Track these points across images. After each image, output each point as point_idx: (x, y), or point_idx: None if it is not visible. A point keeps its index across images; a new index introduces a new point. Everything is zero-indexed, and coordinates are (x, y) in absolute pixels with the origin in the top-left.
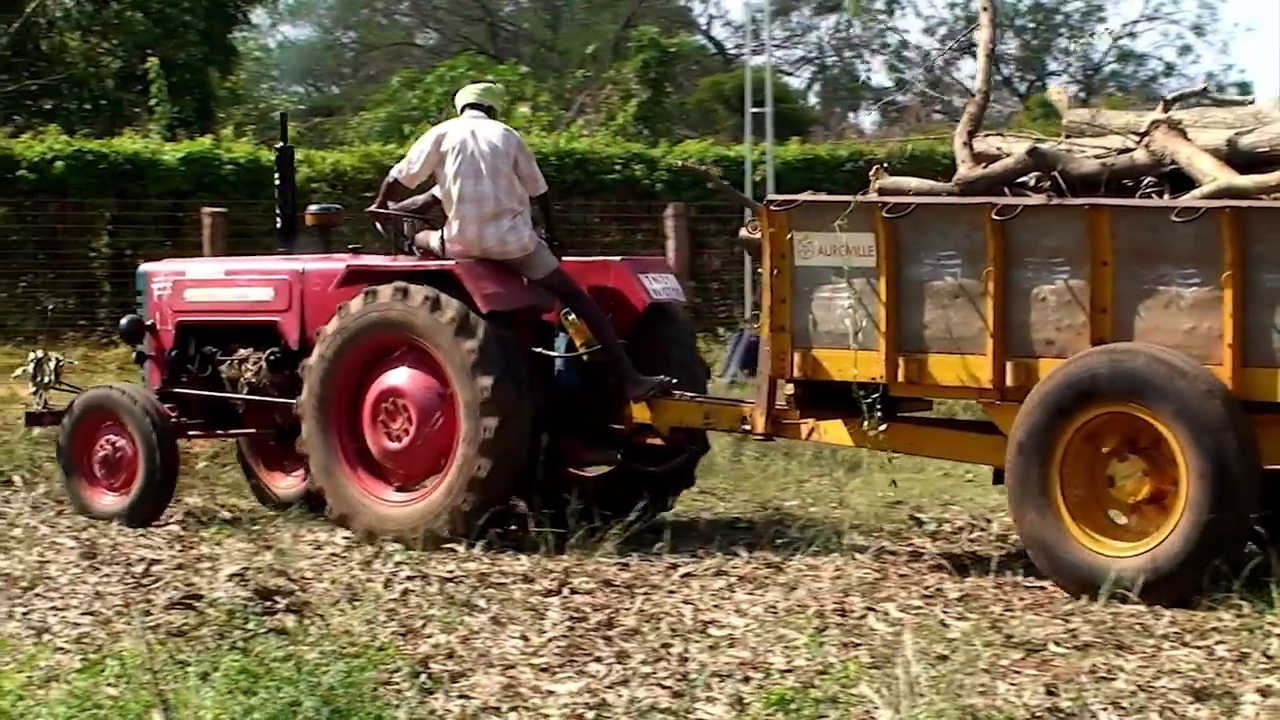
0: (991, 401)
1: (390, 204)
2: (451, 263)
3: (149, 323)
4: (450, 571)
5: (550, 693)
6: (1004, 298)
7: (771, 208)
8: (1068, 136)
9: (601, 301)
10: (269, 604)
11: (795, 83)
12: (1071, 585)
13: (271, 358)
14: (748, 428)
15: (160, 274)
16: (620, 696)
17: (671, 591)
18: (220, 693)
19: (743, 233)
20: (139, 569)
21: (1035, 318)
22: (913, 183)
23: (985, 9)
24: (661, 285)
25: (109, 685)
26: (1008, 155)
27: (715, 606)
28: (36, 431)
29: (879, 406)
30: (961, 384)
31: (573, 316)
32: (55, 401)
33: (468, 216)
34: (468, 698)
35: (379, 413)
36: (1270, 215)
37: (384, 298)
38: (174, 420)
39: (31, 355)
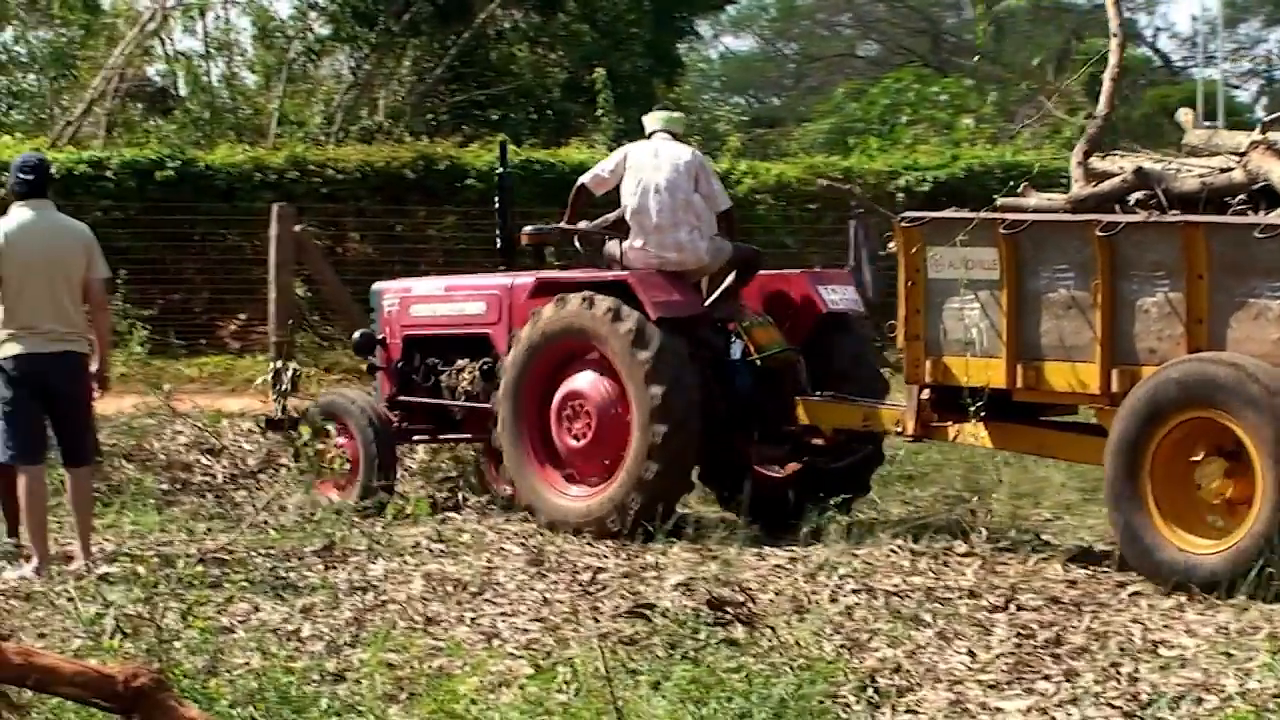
0: (1100, 406)
1: (580, 214)
2: (627, 273)
3: (380, 337)
4: (895, 585)
5: (998, 710)
6: (1110, 309)
7: (904, 224)
8: (1187, 155)
9: (781, 311)
10: (720, 615)
11: (1243, 97)
12: (1158, 580)
13: (484, 367)
14: (899, 429)
15: (390, 291)
16: (1070, 716)
17: (1120, 610)
18: (672, 702)
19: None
20: (585, 576)
21: (1139, 328)
22: (1031, 200)
23: (1115, 35)
24: (839, 296)
25: (559, 692)
26: (1119, 174)
27: (1165, 626)
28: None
29: (983, 411)
30: (1073, 390)
31: (747, 324)
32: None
33: (646, 229)
34: (915, 713)
35: (563, 413)
36: None
37: (572, 306)
38: (395, 425)
39: (271, 365)
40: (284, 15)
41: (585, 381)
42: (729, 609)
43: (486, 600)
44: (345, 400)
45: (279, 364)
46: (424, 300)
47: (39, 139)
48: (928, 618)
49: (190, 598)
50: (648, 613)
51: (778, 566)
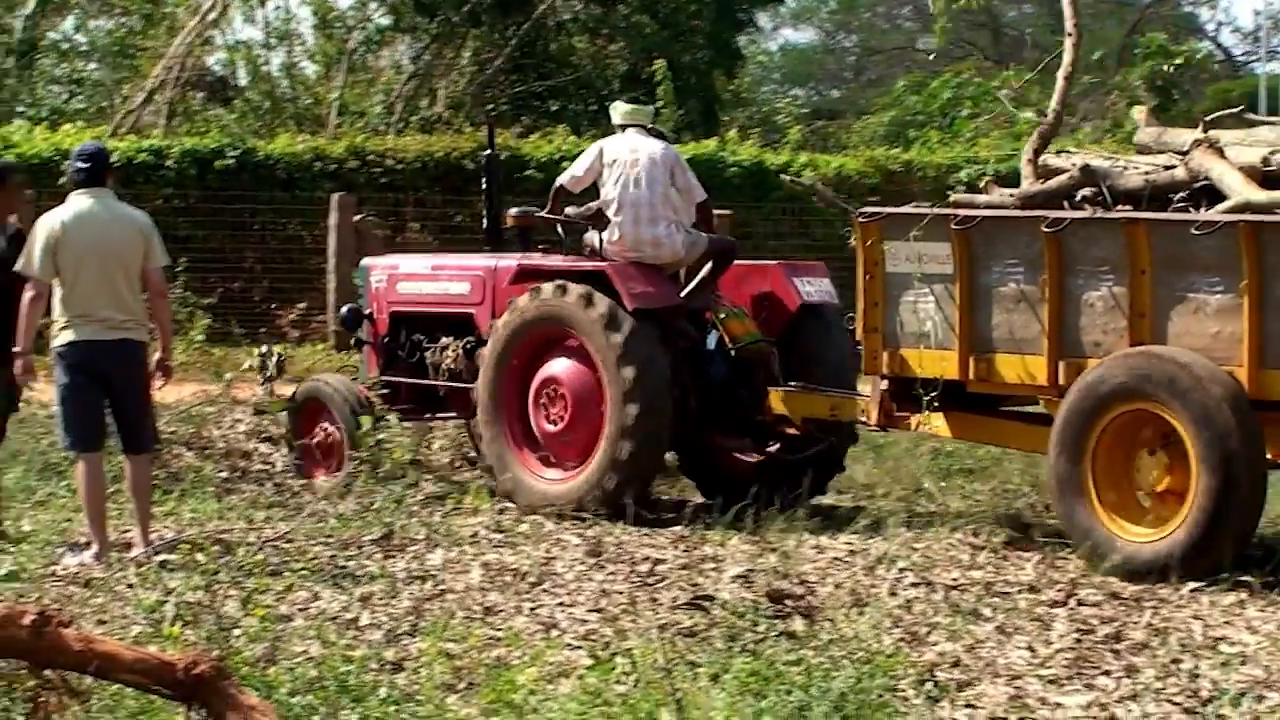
0: (1049, 398)
1: (562, 208)
2: (605, 264)
3: (367, 312)
4: (955, 579)
5: (1058, 705)
6: (1058, 303)
7: (861, 219)
8: (1138, 153)
9: (757, 303)
10: (779, 607)
11: None
12: (1099, 565)
13: (468, 346)
14: (864, 419)
15: (378, 267)
16: (1130, 712)
17: (1180, 606)
18: (731, 694)
19: (851, 242)
20: (644, 568)
21: (1084, 321)
22: (982, 197)
23: (1069, 34)
24: (814, 288)
25: (618, 683)
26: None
27: (1226, 623)
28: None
29: (935, 402)
30: (1023, 382)
31: (723, 315)
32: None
33: (625, 222)
34: (974, 707)
35: (541, 398)
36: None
37: (546, 294)
38: (377, 408)
39: (257, 352)
40: (344, 5)
41: (561, 367)
42: (788, 602)
43: (545, 590)
44: (327, 388)
45: (264, 349)
46: (410, 278)
47: (100, 128)
48: (987, 612)
49: (250, 585)
50: (707, 605)
51: (836, 559)
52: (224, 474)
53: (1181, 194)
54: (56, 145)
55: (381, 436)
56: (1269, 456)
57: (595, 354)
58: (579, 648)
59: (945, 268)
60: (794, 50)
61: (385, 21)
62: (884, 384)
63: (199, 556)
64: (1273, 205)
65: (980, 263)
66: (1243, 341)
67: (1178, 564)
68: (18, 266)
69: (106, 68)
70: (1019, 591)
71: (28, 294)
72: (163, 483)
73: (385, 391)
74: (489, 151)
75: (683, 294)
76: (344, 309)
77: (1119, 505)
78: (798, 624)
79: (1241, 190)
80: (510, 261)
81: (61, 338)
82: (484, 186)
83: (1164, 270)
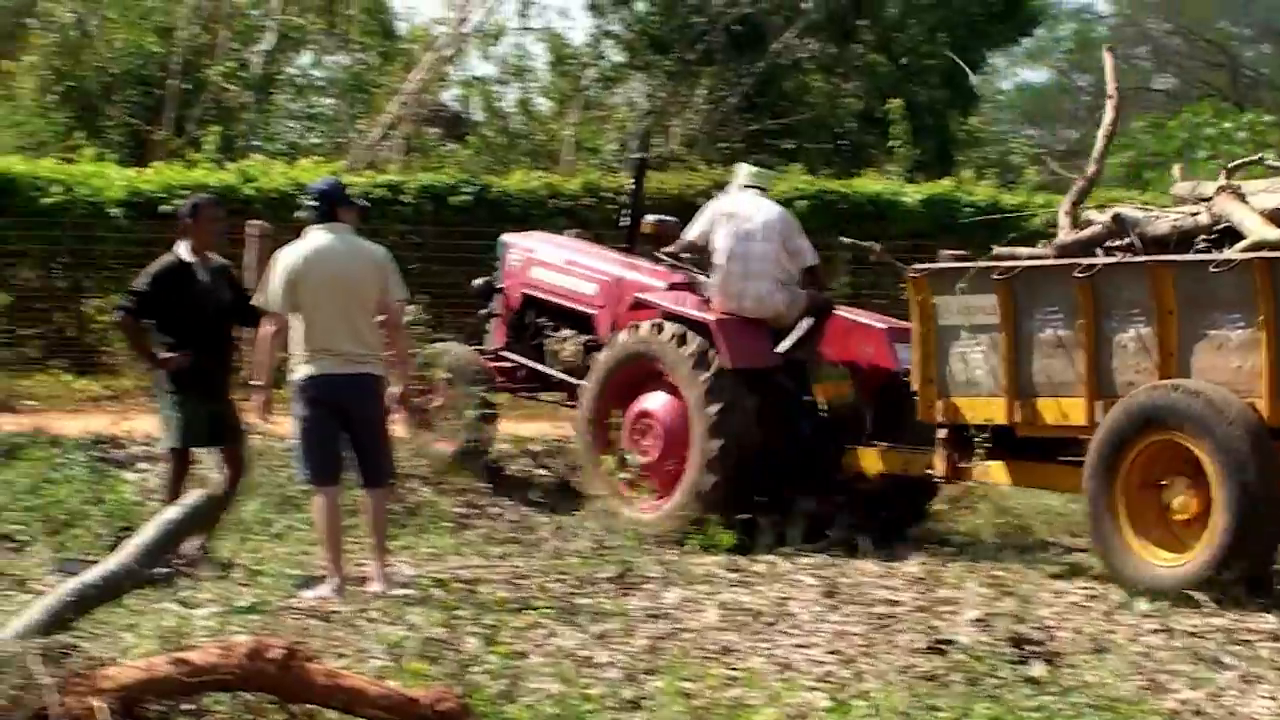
0: (1089, 438)
1: (683, 255)
2: (711, 318)
3: (500, 287)
4: (1195, 626)
5: None
6: (1093, 346)
7: (914, 274)
8: (1175, 204)
9: (857, 363)
10: (1020, 652)
11: None
12: (1131, 589)
13: (587, 344)
14: (931, 471)
15: (516, 246)
16: None
17: None
18: None
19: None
20: (880, 609)
21: (1118, 362)
22: (1024, 249)
23: (1110, 96)
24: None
25: None
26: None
27: None
28: None
29: (983, 448)
30: (1066, 423)
31: (821, 374)
32: None
33: (731, 275)
34: None
35: (634, 430)
36: None
37: (643, 331)
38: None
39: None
40: (579, 42)
41: (655, 402)
42: (1029, 646)
43: (781, 631)
44: (452, 355)
45: None
46: (545, 266)
47: (336, 162)
48: (1229, 660)
49: (489, 622)
50: (946, 648)
51: (1075, 604)
52: (460, 509)
53: (1203, 237)
54: (294, 180)
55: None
56: None
57: (684, 390)
58: (817, 689)
59: (991, 317)
60: (1029, 89)
61: (619, 59)
62: (942, 433)
63: (438, 592)
64: None
65: (1022, 311)
66: (1262, 374)
67: (1199, 587)
68: (255, 300)
69: (343, 103)
70: (1261, 640)
71: (267, 328)
72: (399, 517)
73: (505, 365)
74: (639, 155)
75: (781, 347)
76: (478, 281)
77: (1147, 531)
78: (1038, 669)
79: (1258, 230)
80: (635, 275)
81: (300, 372)
82: (631, 187)
83: (1189, 309)
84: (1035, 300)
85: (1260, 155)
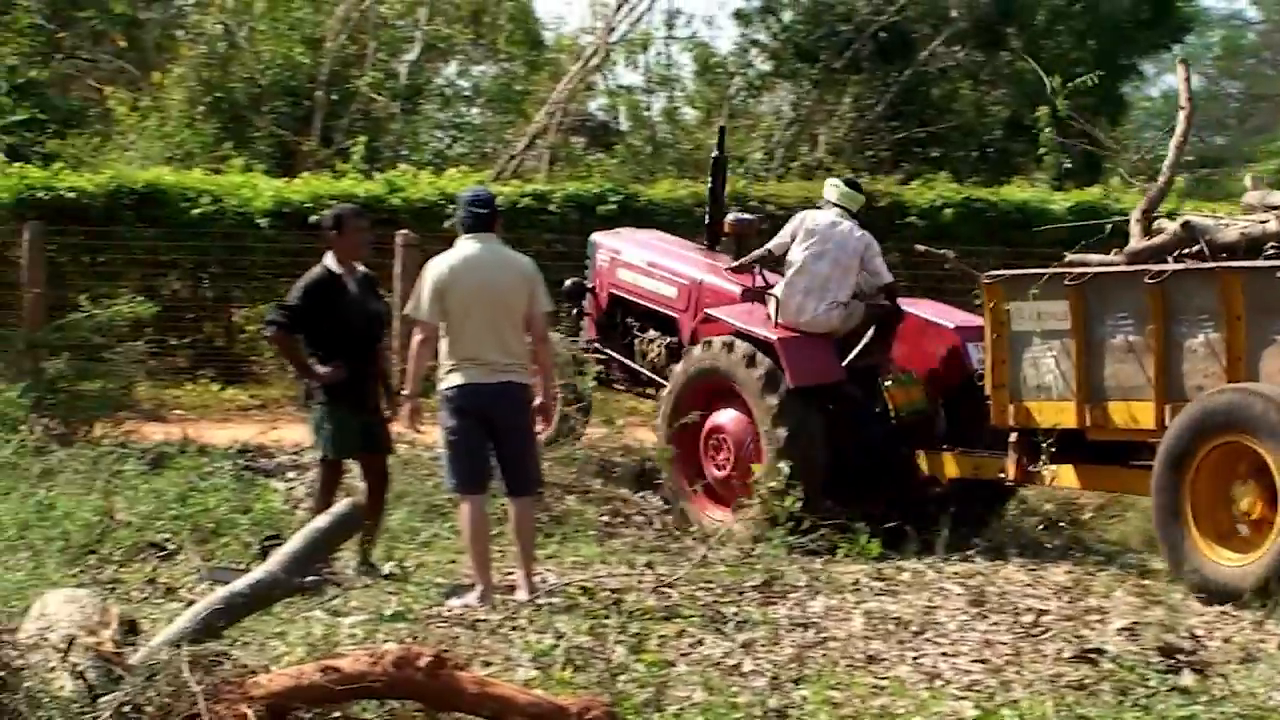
0: (1157, 442)
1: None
2: (775, 336)
3: (590, 285)
4: None
5: None
6: (1163, 350)
7: (988, 281)
8: (1244, 213)
9: (929, 363)
10: (1170, 661)
11: None
12: (1196, 589)
13: (671, 345)
14: (1003, 475)
15: (604, 247)
16: None
17: None
18: None
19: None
20: (1028, 618)
21: (1187, 367)
22: (1095, 256)
23: (1183, 107)
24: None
25: None
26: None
27: None
28: None
29: (1050, 451)
30: (1135, 427)
31: (890, 382)
32: None
33: (794, 290)
34: None
35: (709, 445)
36: None
37: (715, 349)
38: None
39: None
40: (725, 51)
41: (727, 417)
42: (1179, 656)
43: (927, 640)
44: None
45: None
46: (629, 268)
47: (483, 172)
48: None
49: (636, 630)
50: (1095, 657)
51: (1224, 613)
52: (605, 518)
53: (1272, 244)
54: (441, 190)
55: (773, 484)
56: None
57: (754, 410)
58: (964, 699)
59: (1063, 323)
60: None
61: (766, 68)
62: (1014, 437)
63: (584, 600)
64: None
65: (1093, 316)
66: None
67: (1264, 587)
68: (406, 310)
69: (489, 113)
70: None
71: (416, 337)
72: (545, 525)
73: (600, 357)
74: (717, 154)
75: (848, 360)
76: (568, 282)
77: (1214, 532)
78: (1188, 679)
79: None
80: (713, 279)
81: (448, 381)
82: (709, 186)
83: (1256, 315)
84: (1106, 306)
85: None
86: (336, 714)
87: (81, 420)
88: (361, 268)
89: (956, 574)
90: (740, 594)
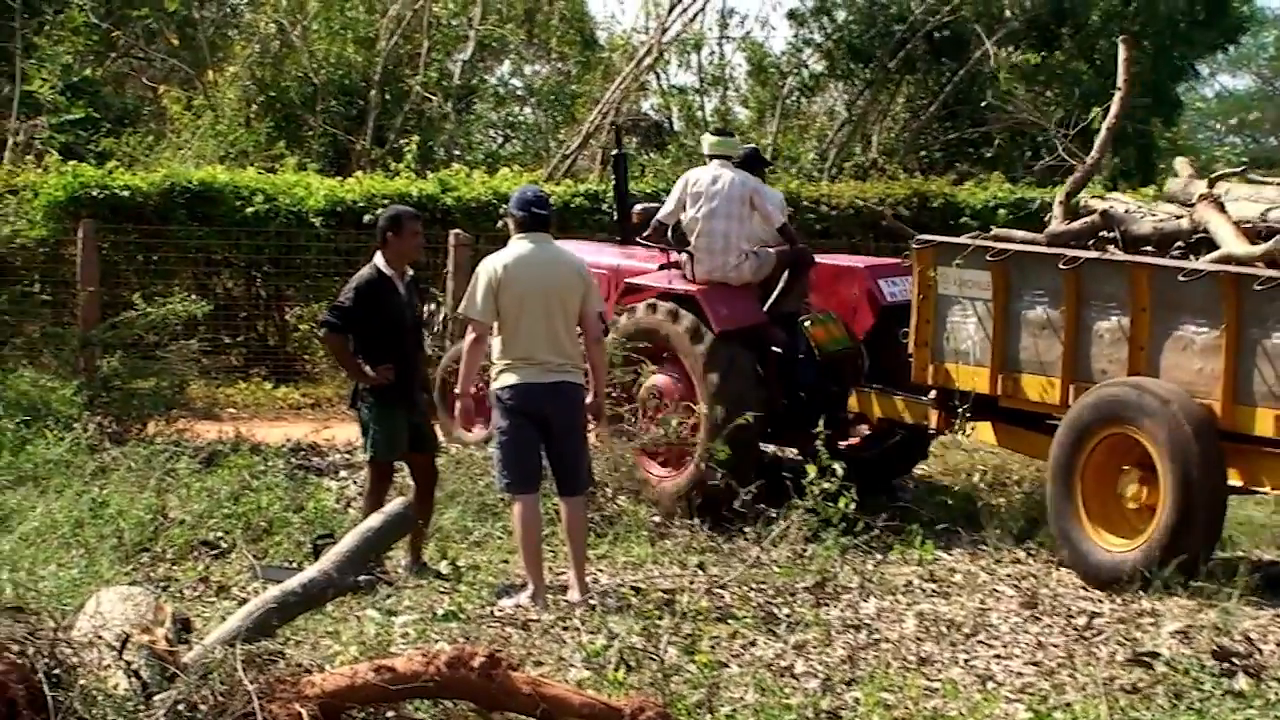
0: (1062, 418)
1: (657, 238)
2: (695, 288)
3: None
4: None
5: None
6: (1073, 332)
7: (917, 245)
8: (1167, 201)
9: (845, 304)
10: (1225, 665)
11: None
12: (1088, 578)
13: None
14: (927, 423)
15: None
16: None
17: None
18: None
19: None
20: (1080, 621)
21: (1094, 350)
22: (1019, 233)
23: (1118, 89)
24: (898, 289)
25: None
26: (1091, 215)
27: None
28: None
29: (968, 414)
30: (1043, 400)
31: (810, 321)
32: None
33: (702, 249)
34: None
35: (647, 406)
36: (1254, 279)
37: (640, 313)
38: None
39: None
40: (779, 51)
41: (660, 378)
42: (1233, 659)
43: (980, 642)
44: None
45: (432, 306)
46: None
47: (536, 172)
48: None
49: (689, 631)
50: (1149, 660)
51: (1278, 616)
52: (656, 518)
53: (1179, 243)
54: (494, 189)
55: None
56: (1241, 483)
57: (686, 362)
58: (1017, 701)
59: (985, 293)
60: (1231, 97)
61: (819, 68)
62: (932, 394)
63: (636, 601)
64: (1251, 259)
65: (1013, 291)
66: (1220, 379)
67: (1145, 572)
68: (458, 309)
69: (542, 112)
70: None
71: (469, 337)
72: (597, 525)
73: None
74: (617, 152)
75: (768, 305)
76: None
77: (1102, 517)
78: (1242, 682)
79: (1230, 243)
80: (631, 263)
81: (501, 380)
82: (613, 184)
83: (1160, 310)
84: (1025, 282)
85: (1243, 167)
86: (390, 714)
87: (135, 418)
88: (409, 269)
89: (1009, 576)
90: (792, 595)
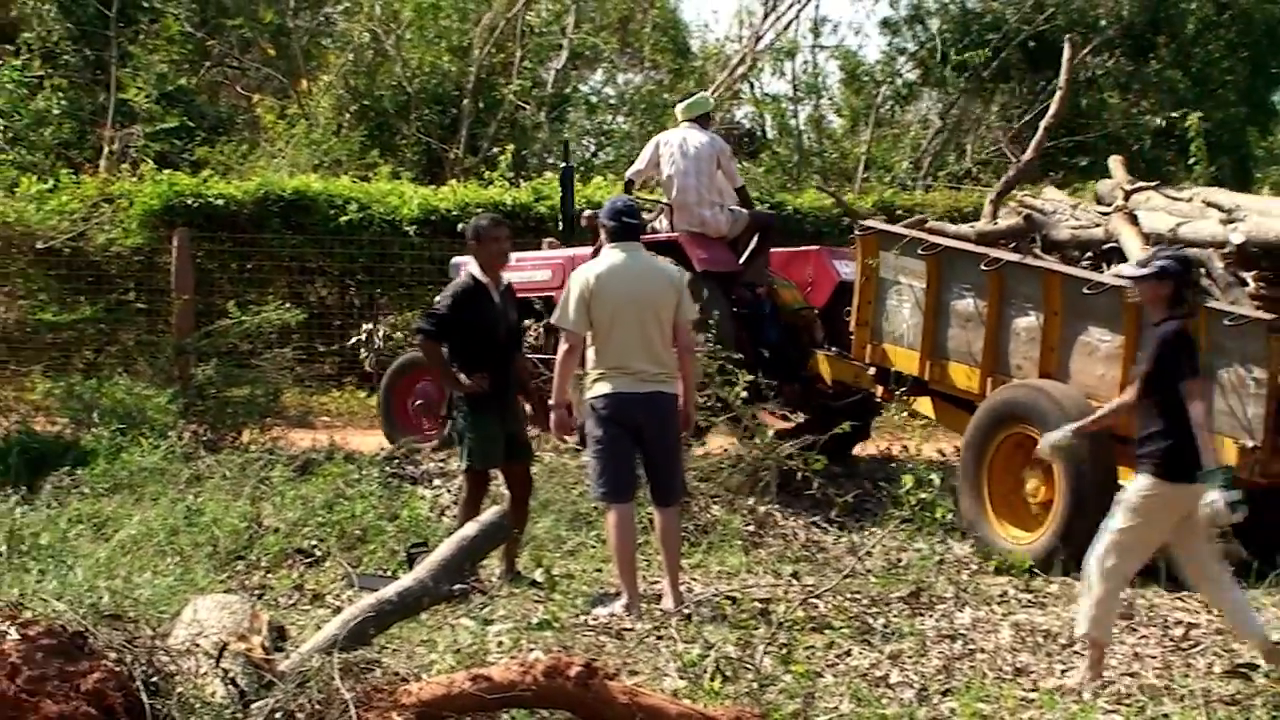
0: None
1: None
2: (677, 234)
3: None
4: None
5: None
6: (994, 327)
7: (860, 233)
8: (1096, 201)
9: (803, 279)
10: None
11: None
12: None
13: (548, 326)
14: (873, 391)
15: (470, 264)
16: None
17: None
18: None
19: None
20: (1177, 632)
21: (1012, 347)
22: (952, 227)
23: (1060, 89)
24: (850, 269)
25: None
26: (1018, 216)
27: None
28: None
29: (904, 393)
30: (965, 388)
31: (774, 284)
32: None
33: (679, 202)
34: None
35: None
36: None
37: None
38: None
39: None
40: (872, 60)
41: None
42: None
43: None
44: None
45: (371, 326)
46: None
47: None
48: None
49: (783, 640)
50: (1247, 672)
51: None
52: (750, 527)
53: (1089, 252)
54: (586, 198)
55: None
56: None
57: None
58: (1114, 712)
59: (919, 282)
60: None
61: (913, 76)
62: (870, 370)
63: (731, 610)
64: None
65: (944, 282)
66: (1119, 384)
67: (1042, 562)
68: (552, 319)
69: (635, 121)
70: None
71: (562, 347)
72: (691, 535)
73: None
74: (565, 164)
75: (741, 261)
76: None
77: (1006, 510)
78: None
79: (1136, 256)
80: (586, 251)
81: (595, 390)
82: (561, 195)
83: (1070, 315)
84: (954, 276)
85: (1157, 183)
86: None
87: (230, 426)
88: (503, 277)
89: None
90: (887, 605)
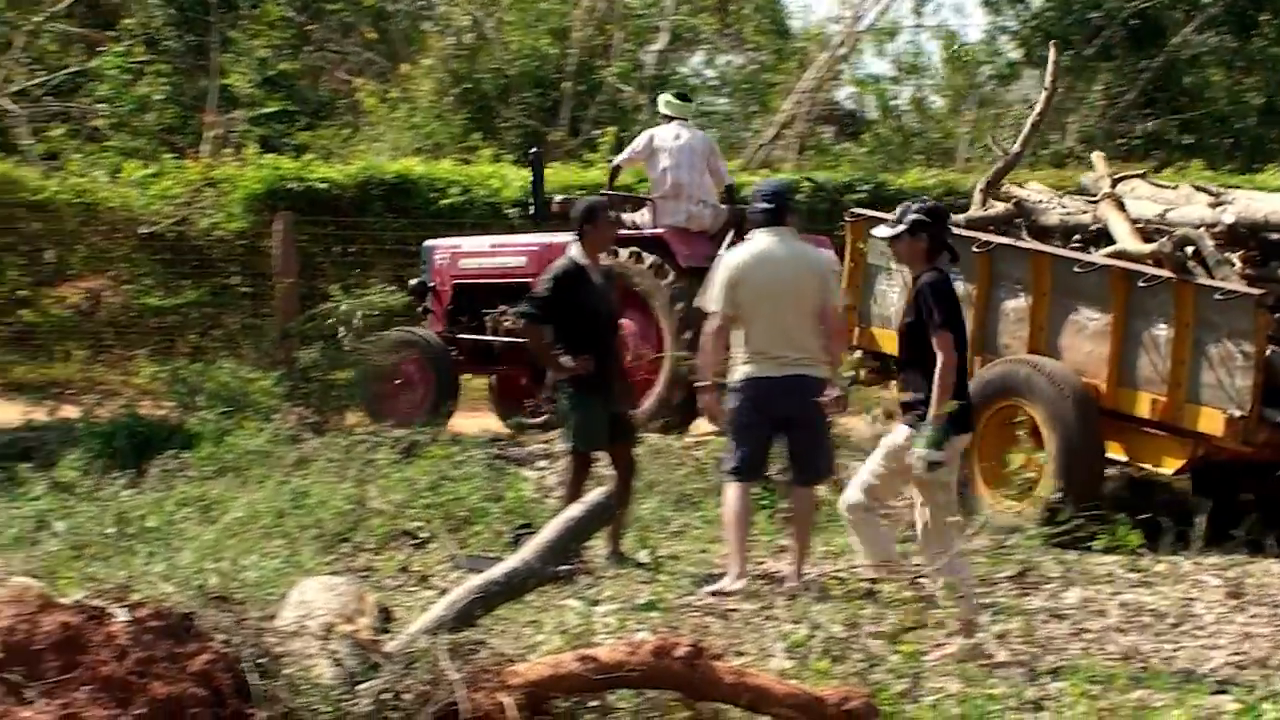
0: None
1: (615, 184)
2: (660, 230)
3: (431, 285)
4: None
5: None
6: (983, 308)
7: (849, 219)
8: (1079, 192)
9: None
10: None
11: None
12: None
13: (521, 310)
14: (855, 375)
15: (442, 248)
16: None
17: None
18: None
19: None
20: None
21: (1001, 326)
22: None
23: (1046, 89)
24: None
25: None
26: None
27: None
28: None
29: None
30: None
31: None
32: None
33: (667, 196)
34: None
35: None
36: (1140, 276)
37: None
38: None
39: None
40: (974, 39)
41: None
42: None
43: (1185, 632)
44: (413, 335)
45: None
46: (472, 255)
47: (731, 162)
48: None
49: (892, 619)
50: None
51: None
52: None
53: (1078, 236)
54: None
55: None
56: (1120, 456)
57: (650, 299)
58: (1223, 692)
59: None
60: None
61: (1015, 55)
62: (857, 353)
63: (836, 590)
64: (1141, 257)
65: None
66: (1106, 362)
67: (1030, 527)
68: (696, 301)
69: (737, 102)
70: None
71: (708, 328)
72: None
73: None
74: (535, 149)
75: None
76: (413, 281)
77: (995, 479)
78: None
79: (1124, 240)
80: (561, 238)
81: (739, 372)
82: (531, 180)
83: (1059, 295)
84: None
85: (1144, 171)
86: (593, 703)
87: (334, 409)
88: (605, 260)
89: (1213, 565)
90: (995, 585)
